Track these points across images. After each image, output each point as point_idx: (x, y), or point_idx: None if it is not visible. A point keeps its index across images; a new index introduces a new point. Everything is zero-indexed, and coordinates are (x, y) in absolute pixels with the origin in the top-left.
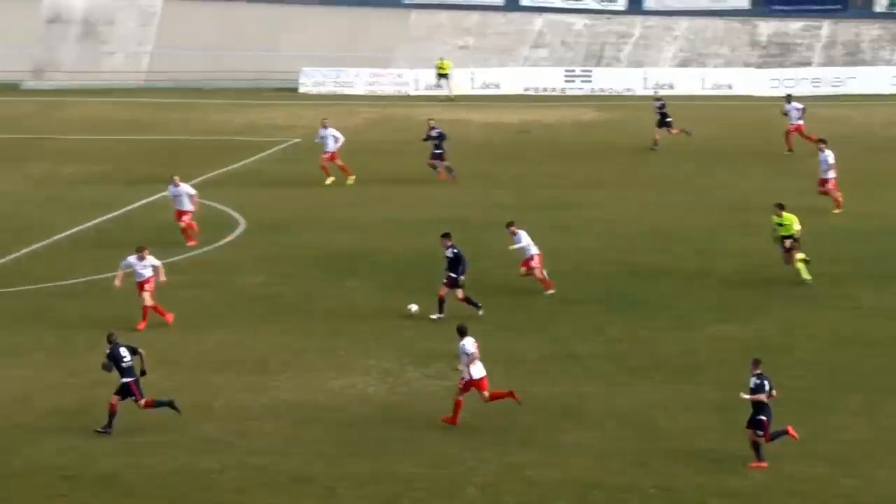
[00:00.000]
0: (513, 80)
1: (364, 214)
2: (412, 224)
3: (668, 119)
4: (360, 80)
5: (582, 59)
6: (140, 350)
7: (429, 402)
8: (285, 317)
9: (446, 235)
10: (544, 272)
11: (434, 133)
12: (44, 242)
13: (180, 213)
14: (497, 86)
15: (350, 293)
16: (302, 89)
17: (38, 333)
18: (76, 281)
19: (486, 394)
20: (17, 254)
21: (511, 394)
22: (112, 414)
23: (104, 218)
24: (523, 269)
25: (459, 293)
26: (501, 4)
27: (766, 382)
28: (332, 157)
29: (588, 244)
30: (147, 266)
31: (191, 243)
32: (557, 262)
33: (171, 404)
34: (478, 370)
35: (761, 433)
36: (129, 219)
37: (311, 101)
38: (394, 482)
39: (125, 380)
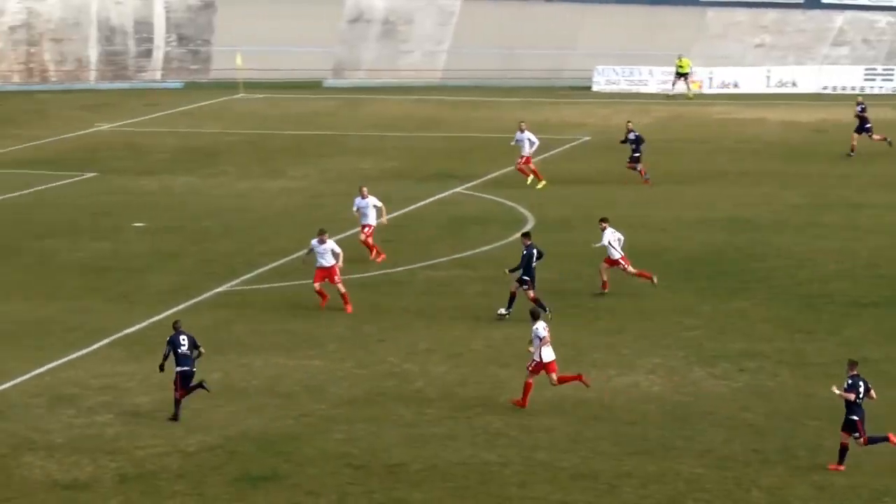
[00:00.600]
0: (810, 78)
1: (652, 213)
2: (699, 222)
3: (868, 125)
4: (653, 79)
5: (884, 58)
6: (201, 348)
7: (715, 403)
8: (570, 313)
9: (525, 235)
10: (631, 269)
11: (632, 136)
12: (339, 236)
13: (364, 227)
14: (793, 84)
15: (636, 291)
16: (595, 87)
17: (331, 324)
18: (369, 274)
19: (555, 377)
20: None
21: (580, 377)
22: (177, 402)
23: (397, 213)
24: (604, 265)
25: (531, 293)
26: (801, 2)
27: (860, 383)
28: (527, 160)
29: (882, 244)
30: (328, 251)
31: (381, 258)
32: (850, 262)
33: (201, 385)
34: (548, 354)
35: (857, 435)
36: (421, 214)
37: (604, 100)
38: (677, 481)
39: (179, 368)
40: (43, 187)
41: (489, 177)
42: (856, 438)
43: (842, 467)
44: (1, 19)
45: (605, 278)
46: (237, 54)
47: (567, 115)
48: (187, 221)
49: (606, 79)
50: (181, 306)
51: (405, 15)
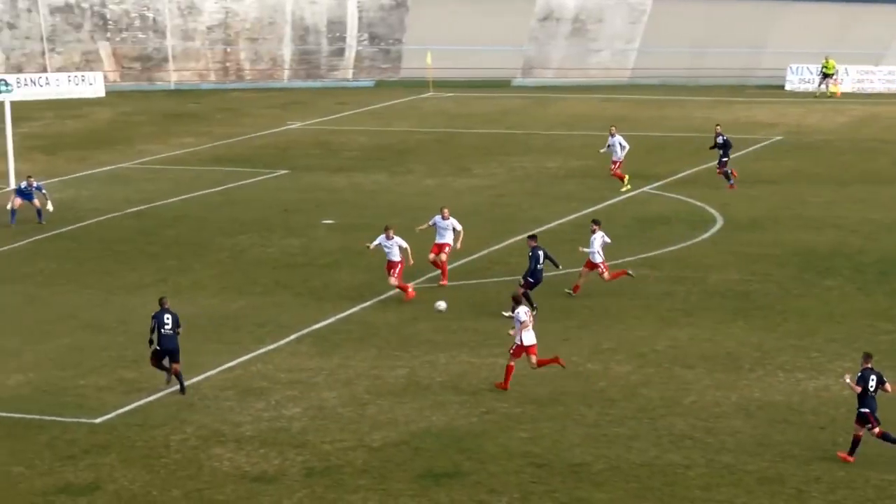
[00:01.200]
0: None
1: (843, 213)
2: (894, 224)
3: None
4: (848, 78)
5: None
6: (180, 328)
7: None
8: (758, 315)
9: (532, 237)
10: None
11: (720, 140)
12: (525, 235)
13: (440, 247)
14: None
15: (826, 293)
16: (788, 87)
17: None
18: (553, 273)
19: (535, 360)
20: (499, 245)
21: (556, 360)
22: (159, 368)
23: (583, 213)
24: (585, 269)
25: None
26: None
27: (872, 377)
28: (619, 164)
29: None
30: (394, 245)
31: (443, 282)
32: None
33: (181, 387)
34: (529, 337)
35: (870, 426)
36: (608, 213)
37: (796, 99)
38: (866, 488)
39: (159, 347)
40: (235, 184)
41: (677, 176)
42: (869, 429)
43: (851, 458)
44: (199, 19)
45: (580, 282)
46: (427, 53)
47: (759, 115)
48: (375, 219)
49: (800, 78)
50: (368, 303)
51: (595, 13)
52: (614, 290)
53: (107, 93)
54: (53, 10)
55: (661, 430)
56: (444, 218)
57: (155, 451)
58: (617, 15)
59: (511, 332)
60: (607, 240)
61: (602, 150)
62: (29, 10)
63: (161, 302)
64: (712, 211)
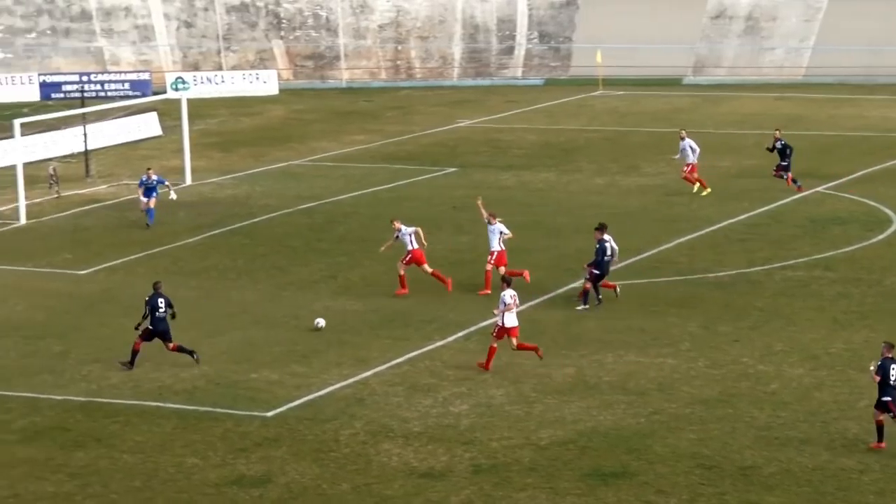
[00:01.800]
0: None
1: None
2: None
3: None
4: None
5: None
6: (174, 309)
7: None
8: None
9: (599, 228)
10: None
11: (779, 144)
12: (695, 234)
13: (500, 256)
14: None
15: None
16: None
17: (684, 323)
18: (724, 273)
19: (515, 342)
20: (668, 244)
21: (535, 348)
22: (134, 353)
23: (754, 212)
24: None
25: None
26: None
27: (893, 366)
28: (693, 169)
29: None
30: (407, 234)
31: (448, 283)
32: None
33: (191, 353)
34: (511, 319)
35: (892, 414)
36: (779, 213)
37: None
38: None
39: (151, 327)
40: (405, 182)
41: (852, 176)
42: (893, 417)
43: (882, 444)
44: (370, 17)
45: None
46: (597, 51)
47: None
48: (543, 217)
49: None
50: (536, 301)
51: (769, 11)
52: (786, 291)
53: (280, 90)
54: (230, 9)
55: (833, 433)
56: (491, 224)
57: (325, 445)
58: (791, 13)
59: (495, 311)
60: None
61: (675, 157)
62: (206, 9)
63: (155, 286)
64: (888, 211)
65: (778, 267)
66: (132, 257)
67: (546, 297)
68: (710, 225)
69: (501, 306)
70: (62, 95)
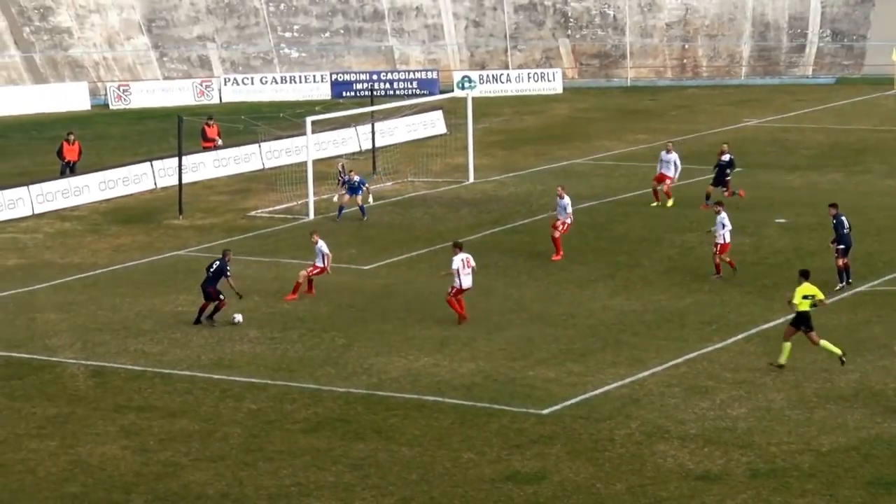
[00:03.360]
0: None
1: None
2: None
3: None
4: None
5: None
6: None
7: None
8: None
9: (833, 205)
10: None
11: (724, 159)
12: None
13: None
14: None
15: None
16: None
17: None
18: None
19: (456, 300)
20: None
21: (462, 314)
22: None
23: None
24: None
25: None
26: None
27: None
28: (662, 177)
29: None
30: (320, 251)
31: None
32: None
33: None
34: (467, 281)
35: None
36: None
37: None
38: None
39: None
40: (687, 182)
41: None
42: None
43: None
44: (658, 15)
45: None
46: (893, 49)
47: None
48: (830, 219)
49: None
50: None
51: None
52: None
53: (564, 89)
54: (518, 8)
55: None
56: (560, 198)
57: (600, 445)
58: None
59: (442, 273)
60: None
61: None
62: (494, 9)
63: (224, 252)
64: None
65: None
66: (415, 253)
67: (832, 300)
68: None
69: (452, 268)
70: (353, 94)
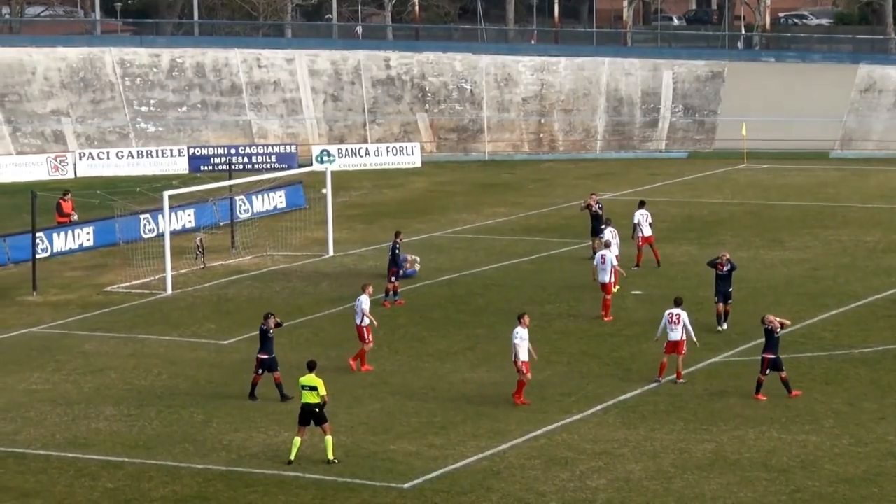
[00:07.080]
0: None
1: None
2: None
3: None
4: None
5: None
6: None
7: None
8: None
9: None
10: None
11: (596, 207)
12: (841, 309)
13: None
14: None
15: None
16: None
17: (829, 400)
18: (870, 349)
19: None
20: (813, 320)
21: (364, 363)
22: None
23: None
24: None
25: None
26: None
27: None
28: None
29: None
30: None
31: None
32: None
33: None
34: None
35: None
36: None
37: None
38: None
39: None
40: (546, 254)
41: None
42: None
43: None
44: (514, 90)
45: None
46: (742, 124)
47: None
48: (684, 290)
49: None
50: (673, 374)
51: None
52: None
53: (423, 163)
54: (376, 83)
55: None
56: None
57: None
58: None
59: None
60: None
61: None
62: (352, 83)
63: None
64: None
65: None
66: None
67: (686, 370)
68: (855, 300)
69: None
70: (211, 167)
